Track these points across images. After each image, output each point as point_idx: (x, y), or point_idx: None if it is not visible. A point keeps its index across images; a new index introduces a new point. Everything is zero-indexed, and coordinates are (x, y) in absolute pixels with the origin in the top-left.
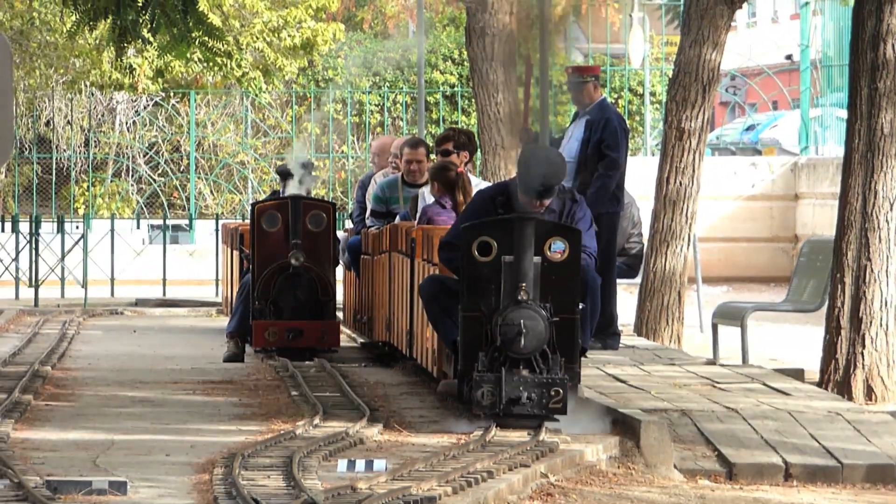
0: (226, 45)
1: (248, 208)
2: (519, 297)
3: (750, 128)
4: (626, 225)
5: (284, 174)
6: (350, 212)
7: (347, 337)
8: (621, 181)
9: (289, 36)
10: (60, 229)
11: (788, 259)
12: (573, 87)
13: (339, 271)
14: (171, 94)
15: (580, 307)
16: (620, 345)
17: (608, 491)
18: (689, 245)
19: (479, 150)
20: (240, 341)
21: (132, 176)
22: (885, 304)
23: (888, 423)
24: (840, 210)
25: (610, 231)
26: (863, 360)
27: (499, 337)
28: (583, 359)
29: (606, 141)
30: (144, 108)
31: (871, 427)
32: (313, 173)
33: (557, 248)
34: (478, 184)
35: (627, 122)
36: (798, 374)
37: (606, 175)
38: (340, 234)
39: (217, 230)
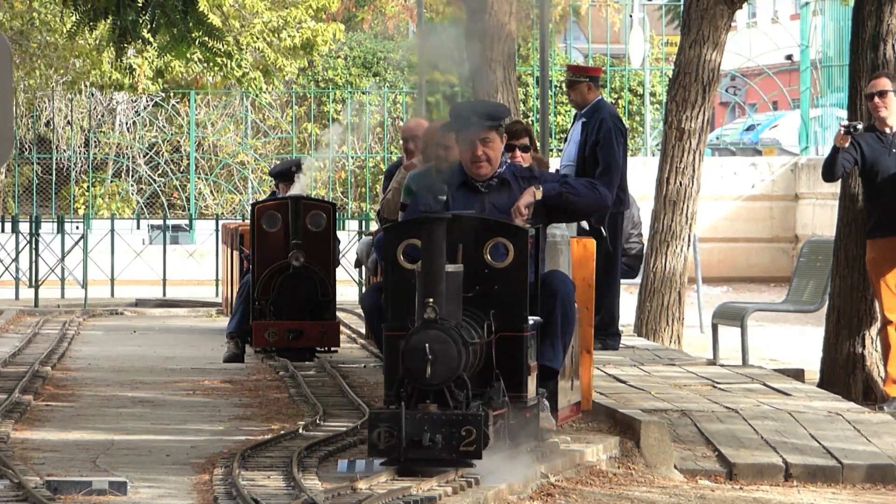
0: (226, 46)
1: (248, 208)
2: (425, 316)
3: (750, 128)
4: (625, 225)
5: (278, 175)
6: (379, 209)
7: (347, 337)
8: (623, 181)
9: (289, 36)
10: (60, 229)
11: (788, 259)
12: (568, 86)
13: (339, 272)
14: (171, 95)
15: (533, 322)
16: (620, 345)
17: (608, 491)
18: (689, 245)
19: None
20: (240, 342)
21: (132, 176)
22: None
23: (888, 423)
24: (840, 210)
25: (614, 231)
26: (863, 360)
27: (400, 364)
28: (552, 383)
29: (601, 142)
30: (144, 108)
31: (871, 427)
32: (303, 168)
33: (498, 252)
34: None
35: (628, 122)
36: (798, 375)
37: (605, 177)
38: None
39: (217, 230)
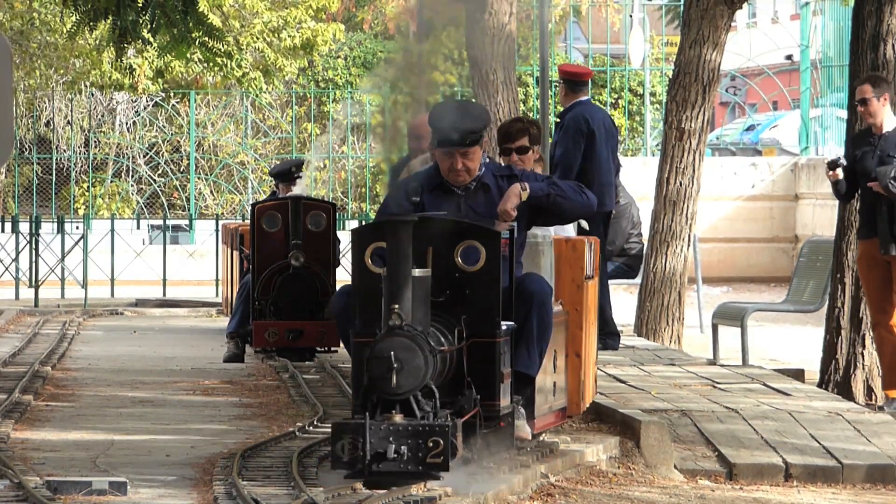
0: (226, 46)
1: (248, 209)
2: (391, 322)
3: (750, 128)
4: (625, 225)
5: (278, 175)
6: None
7: None
8: (595, 180)
9: (289, 36)
10: (60, 230)
11: (788, 259)
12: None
13: (339, 272)
14: (171, 95)
15: (506, 327)
16: (620, 345)
17: (608, 491)
18: (689, 245)
19: None
20: (240, 342)
21: (132, 176)
22: None
23: (888, 424)
24: (840, 210)
25: (601, 231)
26: (863, 360)
27: (365, 373)
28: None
29: (558, 142)
30: (144, 108)
31: (871, 427)
32: (303, 170)
33: (470, 255)
34: None
35: (627, 122)
36: (798, 375)
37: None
38: None
39: (217, 230)
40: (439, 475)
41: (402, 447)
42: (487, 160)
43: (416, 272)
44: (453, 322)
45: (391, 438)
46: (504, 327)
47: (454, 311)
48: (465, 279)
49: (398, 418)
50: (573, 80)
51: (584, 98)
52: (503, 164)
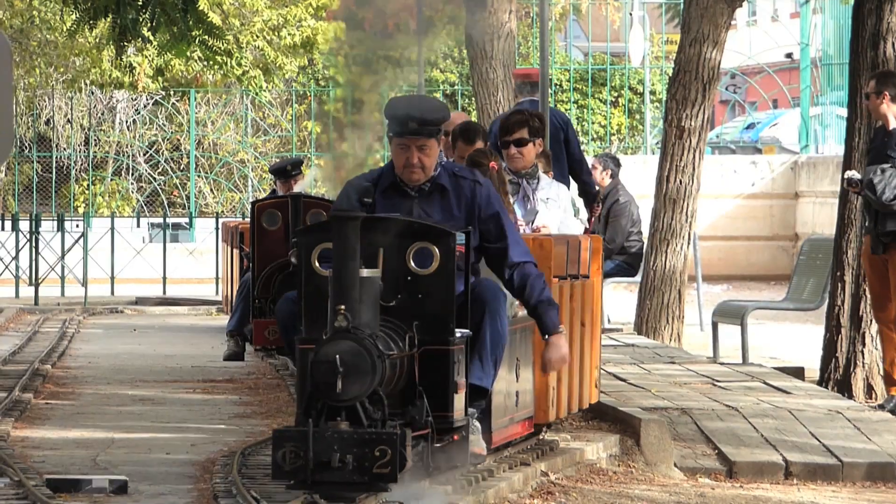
0: (226, 44)
1: (249, 207)
2: (336, 324)
3: (750, 126)
4: (625, 223)
5: (276, 172)
6: None
7: None
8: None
9: (289, 34)
10: (60, 228)
11: (788, 257)
12: None
13: None
14: (172, 93)
15: (461, 334)
16: (620, 343)
17: (608, 489)
18: (689, 243)
19: None
20: (240, 340)
21: (132, 174)
22: None
23: (888, 422)
24: (840, 208)
25: None
26: (863, 358)
27: (309, 378)
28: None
29: None
30: (144, 106)
31: (871, 425)
32: (301, 168)
33: (423, 258)
34: (548, 184)
35: (627, 120)
36: (798, 373)
37: None
38: None
39: (217, 229)
40: (387, 486)
41: (348, 456)
42: (444, 159)
43: (365, 272)
44: (404, 328)
45: (336, 447)
46: (459, 335)
47: (406, 316)
48: (418, 282)
49: (343, 426)
50: (516, 82)
51: (524, 99)
52: (460, 165)
